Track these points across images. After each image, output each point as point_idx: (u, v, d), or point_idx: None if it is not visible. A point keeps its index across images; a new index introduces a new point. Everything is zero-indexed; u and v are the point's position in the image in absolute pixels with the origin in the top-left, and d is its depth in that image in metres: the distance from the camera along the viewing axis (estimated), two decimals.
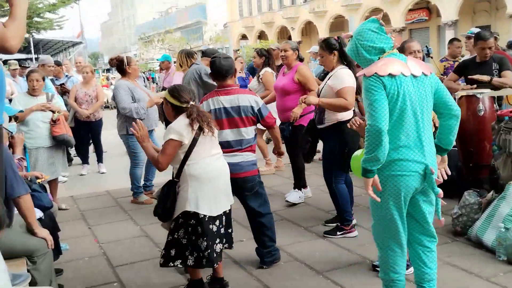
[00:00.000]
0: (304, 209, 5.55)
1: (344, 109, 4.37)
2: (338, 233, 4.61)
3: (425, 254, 2.93)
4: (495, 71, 5.28)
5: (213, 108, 3.83)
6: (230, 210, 3.59)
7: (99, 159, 8.15)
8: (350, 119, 4.35)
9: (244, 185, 3.89)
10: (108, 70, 39.73)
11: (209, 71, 5.26)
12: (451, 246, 4.24)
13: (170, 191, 3.34)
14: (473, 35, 6.60)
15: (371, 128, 2.63)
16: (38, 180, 3.94)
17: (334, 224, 4.76)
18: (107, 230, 5.23)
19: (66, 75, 8.88)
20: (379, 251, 2.98)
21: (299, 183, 5.81)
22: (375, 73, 2.69)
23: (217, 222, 3.40)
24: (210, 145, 3.40)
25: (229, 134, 3.85)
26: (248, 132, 3.89)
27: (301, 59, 5.70)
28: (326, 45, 4.46)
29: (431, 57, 7.58)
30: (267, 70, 6.99)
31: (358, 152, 3.10)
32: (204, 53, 6.82)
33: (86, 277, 4.07)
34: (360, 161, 2.73)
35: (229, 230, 3.61)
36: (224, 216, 3.49)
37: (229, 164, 3.63)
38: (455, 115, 2.86)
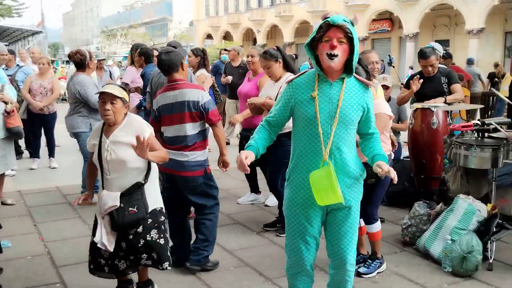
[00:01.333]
0: (258, 213, 5.53)
1: None
2: (278, 225, 4.84)
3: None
4: (445, 85, 5.41)
5: (161, 105, 3.82)
6: None
7: (51, 154, 7.91)
8: None
9: (185, 184, 3.83)
10: (68, 62, 38.75)
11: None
12: (399, 256, 4.30)
13: (143, 194, 3.23)
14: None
15: None
16: None
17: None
18: (54, 228, 5.06)
19: (17, 65, 8.57)
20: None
21: (254, 187, 5.82)
22: None
23: None
24: None
25: (173, 131, 3.79)
26: (194, 128, 3.80)
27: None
28: (270, 55, 4.53)
29: (393, 66, 7.70)
30: (203, 72, 6.89)
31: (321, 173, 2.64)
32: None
33: (27, 277, 3.91)
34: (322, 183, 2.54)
35: None
36: None
37: (172, 161, 3.63)
38: None
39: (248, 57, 5.45)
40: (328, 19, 2.52)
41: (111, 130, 3.21)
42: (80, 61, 5.73)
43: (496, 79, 13.50)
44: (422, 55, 5.36)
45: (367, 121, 2.73)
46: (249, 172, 2.62)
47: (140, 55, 6.17)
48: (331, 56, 2.52)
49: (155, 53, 6.89)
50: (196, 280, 3.86)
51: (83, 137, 5.63)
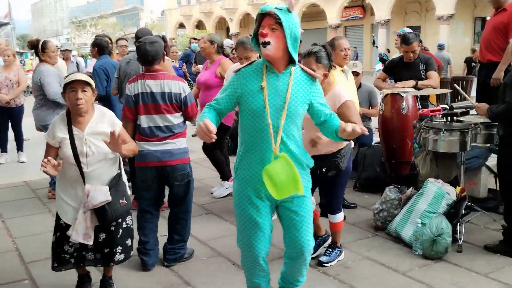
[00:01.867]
0: (231, 202, 5.48)
1: None
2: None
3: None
4: (422, 71, 5.45)
5: (140, 92, 3.69)
6: None
7: (19, 148, 7.73)
8: None
9: (174, 173, 3.74)
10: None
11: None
12: (371, 241, 4.34)
13: (125, 184, 3.26)
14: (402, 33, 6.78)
15: None
16: None
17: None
18: (22, 223, 4.95)
19: None
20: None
21: (223, 174, 5.76)
22: None
23: None
24: None
25: (157, 120, 3.69)
26: (177, 118, 3.75)
27: (225, 55, 5.68)
28: (250, 45, 4.56)
29: (377, 47, 7.71)
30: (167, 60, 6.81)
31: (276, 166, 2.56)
32: (136, 35, 6.39)
33: None
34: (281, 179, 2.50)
35: None
36: None
37: (158, 151, 3.60)
38: None
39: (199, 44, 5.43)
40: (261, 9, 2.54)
41: (83, 121, 3.06)
42: (35, 51, 5.62)
43: (474, 64, 13.71)
44: (405, 40, 5.38)
45: (318, 113, 2.70)
46: (214, 141, 2.50)
47: (94, 46, 5.95)
48: (264, 44, 2.52)
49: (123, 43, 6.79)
50: (168, 272, 3.82)
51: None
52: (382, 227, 4.50)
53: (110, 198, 3.05)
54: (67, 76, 3.09)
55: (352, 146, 3.84)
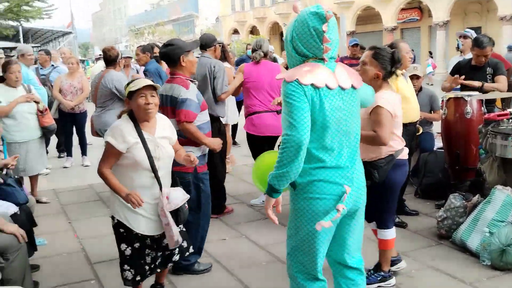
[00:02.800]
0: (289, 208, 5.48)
1: None
2: None
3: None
4: (489, 76, 5.25)
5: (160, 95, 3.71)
6: None
7: (83, 152, 8.03)
8: None
9: (176, 179, 3.53)
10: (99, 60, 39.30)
11: (220, 65, 5.02)
12: (435, 250, 4.20)
13: None
14: (469, 35, 6.57)
15: (290, 136, 2.28)
16: (12, 166, 3.84)
17: None
18: (88, 225, 5.13)
19: (52, 65, 8.72)
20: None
21: None
22: (297, 79, 2.33)
23: None
24: None
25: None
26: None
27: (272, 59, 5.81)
28: None
29: (461, 52, 7.18)
30: (226, 65, 6.86)
31: (267, 156, 2.62)
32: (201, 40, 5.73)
33: (63, 273, 3.97)
34: (266, 171, 2.44)
35: None
36: None
37: None
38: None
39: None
40: None
41: (149, 125, 3.05)
42: (114, 58, 5.84)
43: None
44: (479, 44, 5.18)
45: None
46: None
47: (145, 51, 6.21)
48: None
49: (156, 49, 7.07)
50: (228, 276, 3.85)
51: None
52: (447, 236, 4.35)
53: (188, 196, 3.11)
54: (130, 82, 3.08)
55: (402, 156, 3.45)
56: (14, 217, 3.36)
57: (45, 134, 5.72)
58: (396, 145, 3.40)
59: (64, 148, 8.30)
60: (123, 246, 3.04)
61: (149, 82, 3.02)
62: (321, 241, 2.50)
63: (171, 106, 3.68)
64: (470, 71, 5.23)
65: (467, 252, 4.07)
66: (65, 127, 7.87)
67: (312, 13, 2.38)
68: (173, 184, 3.27)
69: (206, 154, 3.90)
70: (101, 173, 2.98)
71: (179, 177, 3.51)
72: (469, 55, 5.80)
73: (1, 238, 3.04)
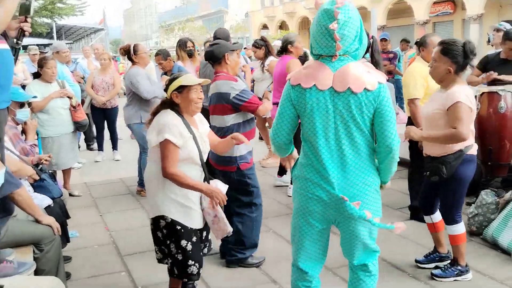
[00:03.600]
0: None
1: None
2: None
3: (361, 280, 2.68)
4: None
5: (209, 95, 3.85)
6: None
7: (114, 147, 8.18)
8: None
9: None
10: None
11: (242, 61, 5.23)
12: (466, 246, 4.11)
13: None
14: (503, 28, 6.41)
15: (271, 138, 2.59)
16: (46, 161, 3.95)
17: None
18: (118, 218, 5.23)
19: (73, 61, 8.91)
20: None
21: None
22: (289, 80, 2.46)
23: None
24: None
25: (215, 121, 3.79)
26: (228, 120, 3.74)
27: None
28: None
29: (492, 45, 7.16)
30: (273, 59, 6.93)
31: None
32: (215, 36, 6.07)
33: (94, 265, 4.07)
34: None
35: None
36: None
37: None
38: (387, 146, 2.41)
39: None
40: None
41: (193, 120, 3.07)
42: (127, 55, 5.81)
43: None
44: (511, 37, 5.07)
45: None
46: None
47: (166, 57, 6.34)
48: None
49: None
50: (256, 270, 3.88)
51: (135, 128, 5.74)
52: (477, 232, 4.28)
53: (227, 186, 3.13)
54: (174, 77, 3.03)
55: (473, 152, 3.44)
56: (49, 210, 3.45)
57: (78, 129, 5.86)
58: (468, 141, 3.36)
59: (96, 142, 8.46)
60: (184, 242, 2.94)
61: (198, 79, 3.05)
62: (303, 236, 2.61)
63: (220, 104, 3.73)
64: (499, 64, 5.09)
65: (498, 249, 4.00)
66: (97, 122, 8.03)
67: (324, 10, 2.36)
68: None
69: (251, 151, 3.92)
70: (171, 175, 2.84)
71: (225, 176, 3.64)
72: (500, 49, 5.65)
73: (38, 229, 3.13)
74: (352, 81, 2.33)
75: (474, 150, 3.45)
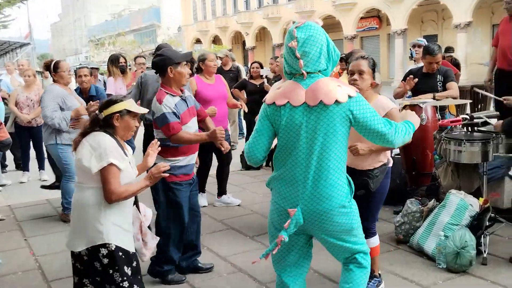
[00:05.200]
0: (251, 218, 5.49)
1: None
2: None
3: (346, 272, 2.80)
4: (439, 83, 5.39)
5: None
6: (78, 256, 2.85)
7: (41, 166, 7.84)
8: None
9: None
10: None
11: None
12: (393, 254, 4.27)
13: None
14: (422, 43, 6.75)
15: (246, 152, 2.71)
16: None
17: None
18: (45, 241, 4.99)
19: None
20: None
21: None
22: (264, 99, 2.67)
23: None
24: None
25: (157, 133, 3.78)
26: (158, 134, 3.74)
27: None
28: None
29: (414, 61, 7.50)
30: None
31: None
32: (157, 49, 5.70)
33: None
34: None
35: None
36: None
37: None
38: (386, 142, 2.62)
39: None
40: None
41: (124, 144, 2.95)
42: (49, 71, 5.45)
43: None
44: (430, 52, 5.31)
45: None
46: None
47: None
48: None
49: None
50: (187, 287, 3.82)
51: (51, 149, 5.38)
52: (404, 240, 4.44)
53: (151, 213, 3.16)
54: (114, 99, 2.92)
55: (391, 165, 3.51)
56: None
57: (0, 148, 5.55)
58: (388, 153, 3.47)
59: (21, 162, 8.08)
60: (126, 269, 2.80)
61: (142, 108, 2.98)
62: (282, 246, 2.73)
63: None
64: (421, 78, 5.36)
65: (424, 256, 4.16)
66: (22, 141, 7.67)
67: (288, 31, 2.58)
68: None
69: (187, 166, 3.83)
70: (119, 195, 2.73)
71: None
72: (422, 64, 5.94)
73: None
74: (323, 95, 2.47)
75: (391, 162, 3.52)
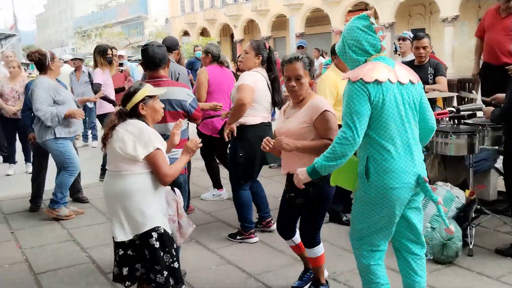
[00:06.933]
0: None
1: (239, 105, 4.22)
2: (238, 237, 4.57)
3: (415, 262, 2.86)
4: (430, 75, 5.42)
5: None
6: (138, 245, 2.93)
7: (27, 159, 7.76)
8: (258, 125, 4.31)
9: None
10: None
11: (184, 72, 5.03)
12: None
13: None
14: (408, 37, 6.78)
15: (348, 137, 2.49)
16: None
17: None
18: (32, 234, 4.96)
19: None
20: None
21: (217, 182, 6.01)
22: (361, 78, 2.52)
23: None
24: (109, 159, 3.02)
25: (159, 129, 3.48)
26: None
27: (220, 62, 5.67)
28: (256, 46, 4.38)
29: (399, 54, 7.60)
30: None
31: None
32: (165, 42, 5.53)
33: (5, 286, 3.82)
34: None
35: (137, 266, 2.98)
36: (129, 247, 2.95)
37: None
38: (431, 129, 2.83)
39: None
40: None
41: None
42: (39, 61, 5.14)
43: None
44: (416, 36, 5.37)
45: None
46: None
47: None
48: None
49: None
50: None
51: (49, 145, 5.18)
52: None
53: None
54: (134, 87, 2.98)
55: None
56: None
57: None
58: None
59: (7, 154, 8.00)
60: (172, 251, 2.96)
61: (160, 89, 3.10)
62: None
63: (176, 110, 3.56)
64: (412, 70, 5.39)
65: None
66: (8, 133, 7.59)
67: (355, 19, 2.70)
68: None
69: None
70: (172, 176, 2.91)
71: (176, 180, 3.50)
72: (410, 57, 5.97)
73: None
74: (411, 74, 2.69)
75: None
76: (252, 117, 4.33)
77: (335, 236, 4.53)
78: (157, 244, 2.86)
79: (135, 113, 2.95)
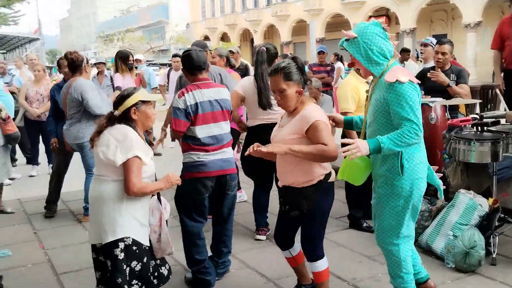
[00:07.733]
0: None
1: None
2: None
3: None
4: (453, 82, 5.37)
5: (198, 101, 3.54)
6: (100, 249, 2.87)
7: (50, 160, 7.88)
8: (255, 126, 4.52)
9: (231, 182, 3.68)
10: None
11: (226, 73, 4.98)
12: None
13: None
14: (429, 43, 6.73)
15: (418, 133, 2.82)
16: None
17: None
18: (54, 235, 5.03)
19: (9, 73, 8.59)
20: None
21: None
22: (409, 80, 2.82)
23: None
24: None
25: (214, 129, 3.60)
26: (228, 125, 3.75)
27: (231, 66, 5.93)
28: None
29: (421, 61, 7.60)
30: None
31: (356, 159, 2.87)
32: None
33: (27, 285, 3.88)
34: (360, 165, 2.99)
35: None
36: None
37: (219, 160, 3.56)
38: None
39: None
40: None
41: (143, 137, 3.01)
42: (75, 62, 5.20)
43: None
44: (439, 41, 5.36)
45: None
46: None
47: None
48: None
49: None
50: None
51: (87, 147, 5.09)
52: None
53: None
54: (126, 92, 2.96)
55: (333, 179, 3.14)
56: None
57: (9, 142, 5.56)
58: (327, 168, 3.12)
59: (31, 156, 8.14)
60: (134, 263, 2.83)
61: (154, 95, 3.11)
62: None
63: (228, 109, 3.72)
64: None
65: (432, 255, 4.15)
66: (32, 135, 7.72)
67: (372, 25, 3.02)
68: (227, 189, 3.70)
69: None
70: (140, 189, 2.77)
71: (235, 178, 3.78)
72: (432, 63, 5.92)
73: None
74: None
75: (333, 177, 3.14)
76: (250, 120, 4.65)
77: (355, 242, 4.50)
78: (121, 255, 2.77)
79: (126, 117, 2.89)
